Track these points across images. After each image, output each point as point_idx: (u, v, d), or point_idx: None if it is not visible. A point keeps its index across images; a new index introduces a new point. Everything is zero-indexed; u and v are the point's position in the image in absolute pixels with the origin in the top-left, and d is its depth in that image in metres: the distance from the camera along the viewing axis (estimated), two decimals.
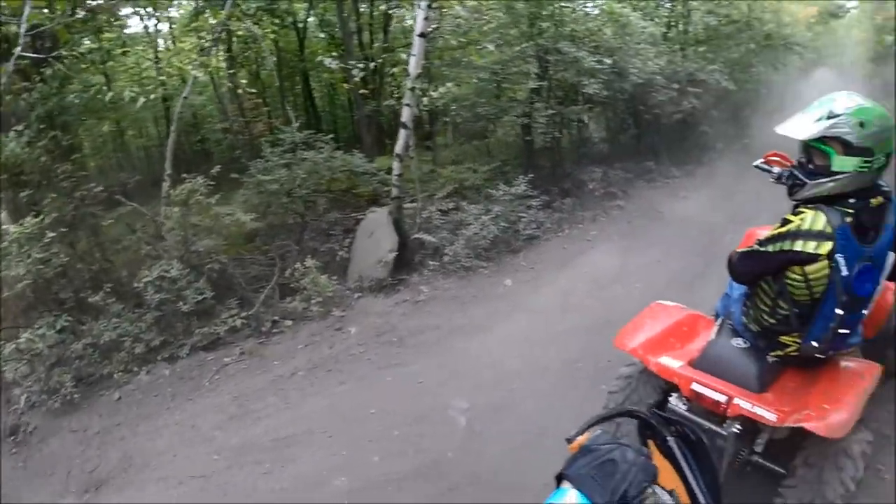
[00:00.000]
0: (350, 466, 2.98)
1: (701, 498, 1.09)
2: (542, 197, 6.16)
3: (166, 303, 4.27)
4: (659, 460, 1.20)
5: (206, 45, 6.39)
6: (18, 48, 4.17)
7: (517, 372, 3.61)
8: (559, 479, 1.10)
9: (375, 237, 5.50)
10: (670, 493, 1.14)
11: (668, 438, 1.19)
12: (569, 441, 1.19)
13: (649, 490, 1.08)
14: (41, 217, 4.11)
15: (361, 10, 7.94)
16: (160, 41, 9.12)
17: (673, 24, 8.32)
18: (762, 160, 2.34)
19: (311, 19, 9.20)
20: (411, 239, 5.44)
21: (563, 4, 6.62)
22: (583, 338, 3.78)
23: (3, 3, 4.59)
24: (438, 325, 4.47)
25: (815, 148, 1.92)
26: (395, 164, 5.38)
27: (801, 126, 1.90)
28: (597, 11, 7.14)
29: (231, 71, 8.46)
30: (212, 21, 6.66)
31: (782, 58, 9.46)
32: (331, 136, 6.45)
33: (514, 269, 5.30)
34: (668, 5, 8.33)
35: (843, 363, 2.23)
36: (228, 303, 4.65)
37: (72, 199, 4.55)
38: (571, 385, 3.37)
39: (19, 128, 4.28)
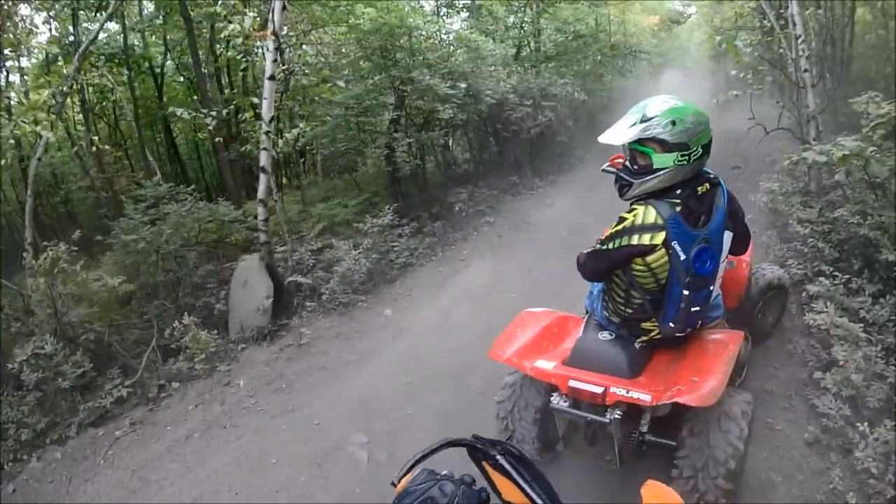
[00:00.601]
0: None
1: (538, 501, 1.17)
2: (412, 224, 6.30)
3: (46, 381, 4.03)
4: (498, 479, 1.26)
5: (58, 99, 6.00)
6: None
7: (409, 396, 3.71)
8: None
9: (250, 285, 5.40)
10: None
11: (498, 457, 1.24)
12: (394, 484, 1.20)
13: None
14: None
15: (219, 52, 7.79)
16: (12, 95, 8.40)
17: (524, 44, 8.86)
18: (608, 164, 2.48)
19: (168, 63, 8.93)
20: (287, 282, 5.41)
21: (418, 33, 6.87)
22: (467, 353, 3.94)
23: None
24: (325, 365, 4.49)
25: (635, 150, 2.10)
26: (260, 210, 5.35)
27: (618, 133, 2.08)
28: (450, 37, 7.46)
29: (85, 124, 7.97)
30: (65, 71, 6.27)
31: (630, 65, 10.36)
32: (197, 184, 6.28)
33: (392, 299, 5.40)
34: (516, 26, 8.82)
35: (708, 336, 2.40)
36: (110, 373, 4.45)
37: None
38: (463, 399, 3.52)
39: None
